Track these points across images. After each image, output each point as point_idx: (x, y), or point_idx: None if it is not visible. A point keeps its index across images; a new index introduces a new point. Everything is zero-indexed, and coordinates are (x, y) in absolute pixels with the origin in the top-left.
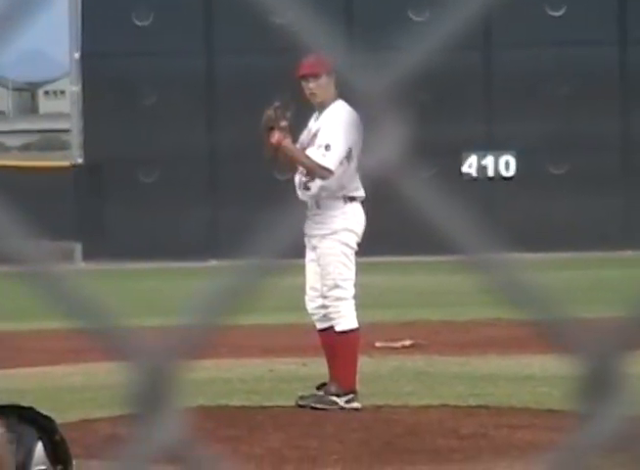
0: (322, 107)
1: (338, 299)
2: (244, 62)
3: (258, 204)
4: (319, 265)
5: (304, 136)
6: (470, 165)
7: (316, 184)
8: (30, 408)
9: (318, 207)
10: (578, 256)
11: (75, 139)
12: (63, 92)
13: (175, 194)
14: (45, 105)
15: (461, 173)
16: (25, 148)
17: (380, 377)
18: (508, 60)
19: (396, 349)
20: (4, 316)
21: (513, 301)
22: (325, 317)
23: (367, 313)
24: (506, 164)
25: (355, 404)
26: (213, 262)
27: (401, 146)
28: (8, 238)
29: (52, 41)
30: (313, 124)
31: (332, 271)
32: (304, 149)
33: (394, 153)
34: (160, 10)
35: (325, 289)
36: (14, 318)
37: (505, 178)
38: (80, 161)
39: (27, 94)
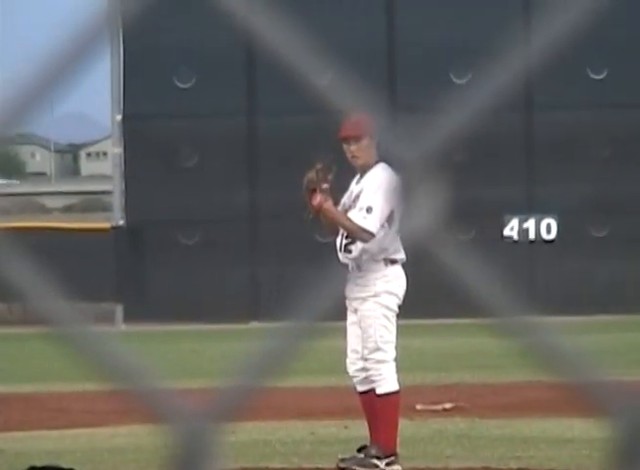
0: (364, 169)
1: (379, 361)
2: (285, 122)
3: (299, 265)
4: (360, 328)
5: (346, 198)
6: (512, 228)
7: (357, 247)
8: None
9: (359, 269)
10: (620, 318)
11: (117, 201)
12: (105, 154)
13: (216, 255)
14: (87, 167)
15: (502, 236)
16: (67, 209)
17: (420, 440)
18: (549, 122)
19: (437, 411)
20: (48, 377)
21: (549, 364)
22: (366, 380)
23: (408, 376)
24: (547, 227)
25: (396, 467)
26: (255, 324)
27: (438, 213)
28: (50, 300)
29: (94, 103)
30: (355, 187)
31: (373, 334)
32: (346, 211)
33: (431, 220)
34: (202, 72)
35: (366, 352)
36: (58, 379)
37: (546, 241)
38: (122, 222)
39: (70, 156)
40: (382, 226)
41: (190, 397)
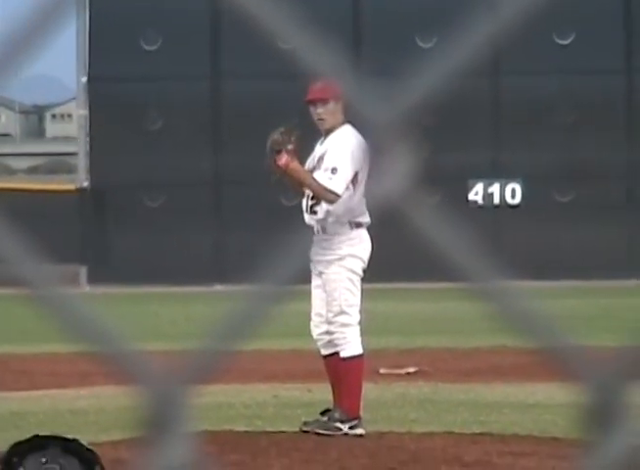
0: (329, 132)
1: (343, 325)
2: (250, 86)
3: (264, 229)
4: (325, 291)
5: (310, 161)
6: (476, 193)
7: (322, 208)
8: (74, 440)
9: (325, 232)
10: (583, 284)
11: (82, 162)
12: (70, 115)
13: (180, 218)
14: (52, 128)
15: (467, 201)
16: (32, 171)
17: (384, 404)
18: (515, 87)
19: (401, 375)
20: (10, 339)
21: (518, 328)
22: (330, 343)
23: (372, 340)
24: (512, 192)
25: (359, 431)
26: (218, 287)
27: (409, 176)
28: (15, 261)
29: (59, 65)
30: (319, 148)
31: (337, 297)
32: (311, 173)
33: (402, 182)
34: (168, 34)
35: (330, 315)
36: (20, 341)
37: (511, 206)
38: (86, 184)
39: (35, 117)
40: (346, 188)
41: (153, 359)
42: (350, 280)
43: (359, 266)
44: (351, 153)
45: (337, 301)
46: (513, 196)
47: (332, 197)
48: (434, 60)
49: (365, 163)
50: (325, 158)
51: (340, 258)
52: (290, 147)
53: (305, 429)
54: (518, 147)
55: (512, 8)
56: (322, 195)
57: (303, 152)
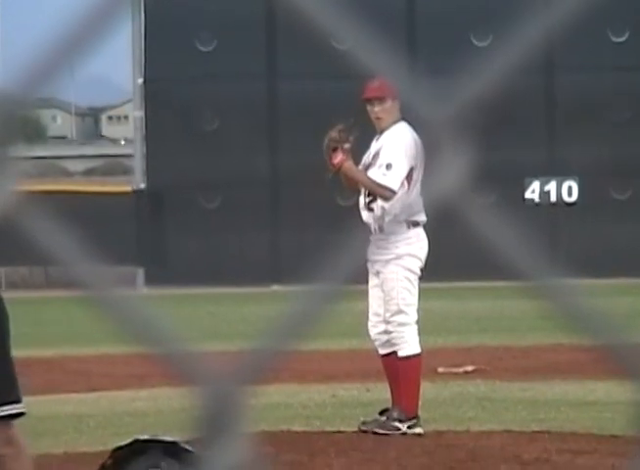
0: (385, 129)
1: (401, 324)
2: (306, 86)
3: (321, 229)
4: (382, 291)
5: (365, 157)
6: (533, 191)
7: (379, 205)
8: (174, 442)
9: (381, 231)
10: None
11: (138, 164)
12: (126, 117)
13: (237, 219)
14: (108, 130)
15: (524, 199)
16: (89, 173)
17: (442, 403)
18: (570, 84)
19: (458, 374)
20: (67, 340)
21: (576, 326)
22: (388, 343)
23: (429, 339)
24: (569, 190)
25: (418, 430)
26: (276, 288)
27: (464, 173)
28: (74, 263)
29: (115, 67)
30: (374, 145)
31: (395, 296)
32: (366, 169)
33: (457, 180)
34: (223, 35)
35: (388, 314)
36: (77, 342)
37: (568, 204)
38: (143, 186)
39: (91, 119)
40: (402, 185)
41: (211, 359)
42: (408, 279)
43: (417, 265)
44: (405, 149)
45: (394, 300)
46: (570, 194)
47: (388, 193)
48: (490, 57)
49: (421, 160)
50: (380, 154)
51: (397, 257)
52: (346, 146)
53: (364, 428)
54: (573, 144)
55: (566, 5)
56: (378, 192)
57: (359, 150)
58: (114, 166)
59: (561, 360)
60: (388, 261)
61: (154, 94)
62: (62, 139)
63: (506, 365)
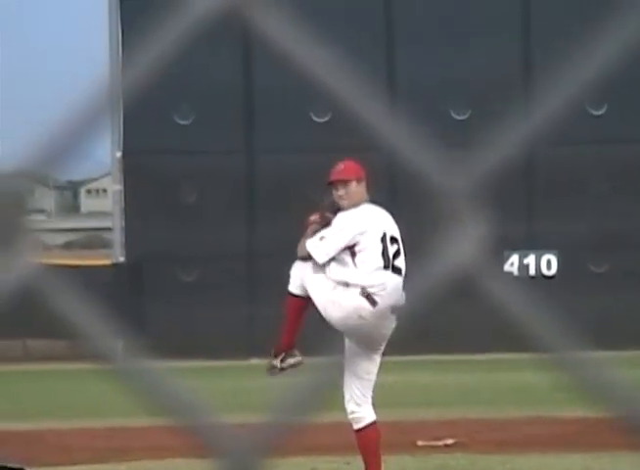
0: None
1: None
2: (283, 160)
3: None
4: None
5: None
6: (512, 264)
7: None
8: (20, 469)
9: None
10: (619, 354)
11: (117, 237)
12: (105, 190)
13: (214, 292)
14: (87, 203)
15: (503, 272)
16: (68, 246)
17: None
18: (548, 157)
19: (439, 447)
20: (48, 413)
21: (596, 397)
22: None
23: (409, 412)
24: (548, 263)
25: None
26: (254, 361)
27: (483, 244)
28: (97, 336)
29: (93, 140)
30: None
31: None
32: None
33: (476, 250)
34: (202, 109)
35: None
36: (58, 416)
37: (547, 277)
38: (122, 259)
39: (69, 193)
40: (329, 259)
41: (231, 431)
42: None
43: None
44: (345, 227)
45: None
46: (549, 267)
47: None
48: (503, 131)
49: (372, 237)
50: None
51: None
52: (327, 215)
53: None
54: (552, 217)
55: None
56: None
57: None
58: (94, 240)
59: (537, 433)
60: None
61: (132, 167)
62: (40, 213)
63: (483, 438)
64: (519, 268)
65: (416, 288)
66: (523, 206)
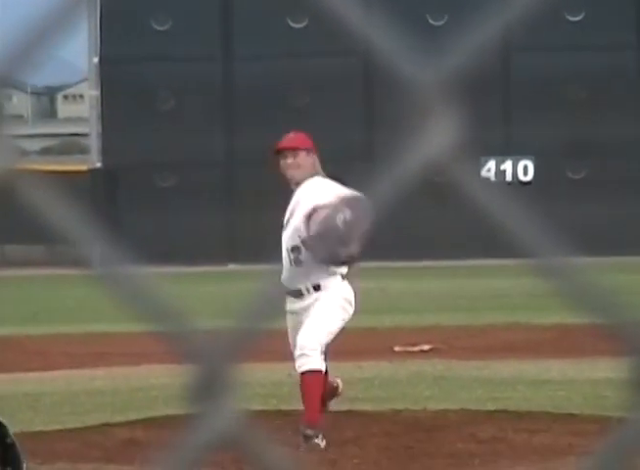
0: (297, 183)
1: None
2: (261, 67)
3: (276, 208)
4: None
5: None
6: (488, 170)
7: None
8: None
9: None
10: (596, 261)
11: (94, 143)
12: (82, 96)
13: (192, 198)
14: (64, 109)
15: (480, 178)
16: (44, 152)
17: (399, 382)
18: (526, 63)
19: (415, 353)
20: (25, 320)
21: (581, 304)
22: None
23: (386, 318)
24: (524, 169)
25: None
26: (232, 266)
27: (458, 137)
28: (80, 240)
29: (71, 46)
30: (292, 202)
31: None
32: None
33: (450, 144)
34: (179, 15)
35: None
36: (35, 322)
37: (524, 183)
38: (99, 165)
39: (46, 98)
40: None
41: (203, 337)
42: None
43: None
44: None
45: None
46: (525, 173)
47: None
48: (472, 32)
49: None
50: (297, 211)
51: None
52: None
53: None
54: (529, 124)
55: None
56: None
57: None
58: (71, 146)
59: (515, 340)
60: None
61: (109, 73)
62: (17, 118)
63: (462, 344)
64: (495, 174)
65: (389, 180)
66: (499, 111)
